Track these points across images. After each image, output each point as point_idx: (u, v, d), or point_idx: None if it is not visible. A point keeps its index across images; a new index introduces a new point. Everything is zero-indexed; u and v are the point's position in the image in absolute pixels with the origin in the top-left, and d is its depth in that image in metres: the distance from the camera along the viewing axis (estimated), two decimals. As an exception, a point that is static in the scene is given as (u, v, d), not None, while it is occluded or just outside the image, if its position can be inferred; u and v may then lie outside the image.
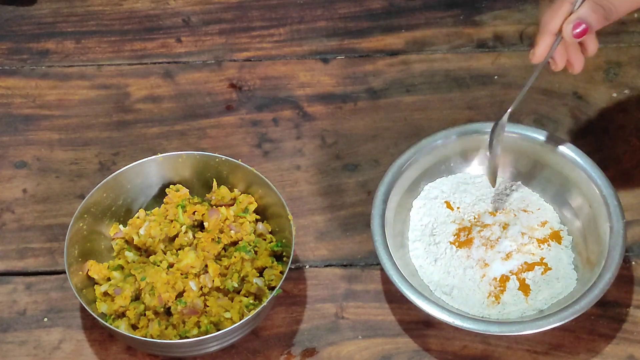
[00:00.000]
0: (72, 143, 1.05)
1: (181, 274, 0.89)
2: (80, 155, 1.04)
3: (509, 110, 0.88)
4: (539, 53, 0.82)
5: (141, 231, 0.92)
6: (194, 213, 0.93)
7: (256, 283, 0.88)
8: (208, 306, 0.87)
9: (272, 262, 0.90)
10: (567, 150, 0.94)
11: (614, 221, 0.89)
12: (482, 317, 0.87)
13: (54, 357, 0.89)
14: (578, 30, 0.79)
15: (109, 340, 0.90)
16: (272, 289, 0.88)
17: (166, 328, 0.86)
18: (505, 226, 0.92)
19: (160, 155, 0.94)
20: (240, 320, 0.85)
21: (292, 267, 0.94)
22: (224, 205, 0.93)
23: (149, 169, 0.94)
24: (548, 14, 0.79)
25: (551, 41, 0.81)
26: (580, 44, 0.84)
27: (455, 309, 0.87)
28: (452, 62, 1.12)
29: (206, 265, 0.89)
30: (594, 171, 0.92)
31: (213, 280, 0.89)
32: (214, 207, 0.93)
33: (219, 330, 0.85)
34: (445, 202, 0.95)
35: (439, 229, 0.93)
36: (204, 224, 0.93)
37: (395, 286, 0.86)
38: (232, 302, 0.88)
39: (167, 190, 0.94)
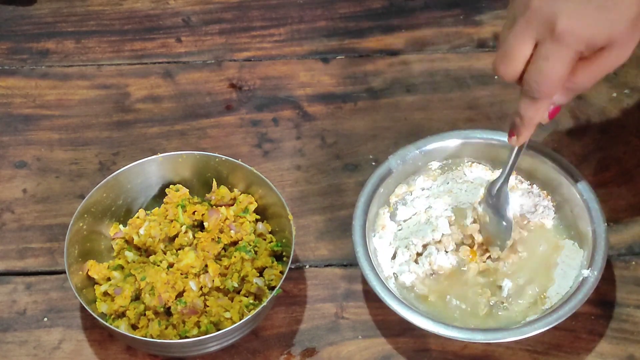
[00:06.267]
0: (72, 143, 1.05)
1: (181, 274, 0.89)
2: (80, 155, 1.04)
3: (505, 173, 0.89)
4: (522, 141, 0.85)
5: (141, 231, 0.92)
6: (194, 213, 0.93)
7: (256, 283, 0.88)
8: (208, 306, 0.87)
9: (272, 262, 0.90)
10: (546, 154, 0.93)
11: (596, 225, 0.89)
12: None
13: (54, 357, 0.89)
14: (552, 111, 0.83)
15: (109, 340, 0.90)
16: (272, 289, 0.88)
17: (166, 328, 0.86)
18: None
19: (160, 155, 0.94)
20: (240, 320, 0.85)
21: (292, 267, 0.94)
22: (224, 205, 0.93)
23: (149, 169, 0.94)
24: (533, 112, 0.81)
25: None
26: None
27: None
28: (452, 62, 1.12)
29: (206, 265, 0.89)
30: (574, 175, 0.92)
31: (213, 280, 0.89)
32: (214, 207, 0.93)
33: (219, 330, 0.85)
34: (429, 208, 0.95)
35: (419, 234, 0.93)
36: (204, 224, 0.93)
37: (385, 303, 0.86)
38: (232, 302, 0.88)
39: (167, 190, 0.94)
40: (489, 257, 0.91)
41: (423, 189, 0.96)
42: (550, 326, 0.83)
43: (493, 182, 0.90)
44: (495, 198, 0.90)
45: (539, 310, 0.87)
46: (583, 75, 0.78)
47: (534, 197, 0.94)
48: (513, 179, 0.95)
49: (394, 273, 0.91)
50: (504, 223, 0.90)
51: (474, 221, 0.91)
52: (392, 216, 0.94)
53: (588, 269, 0.86)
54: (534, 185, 0.95)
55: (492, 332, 0.85)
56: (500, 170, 0.90)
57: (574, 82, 0.78)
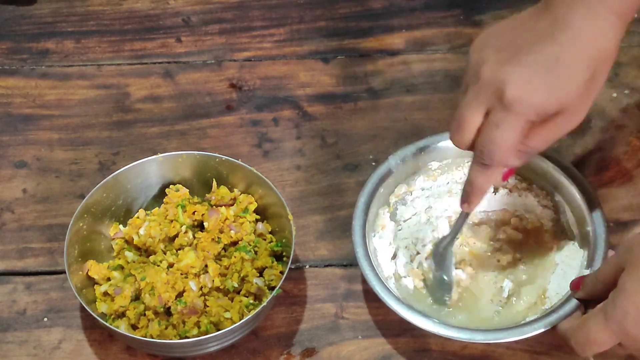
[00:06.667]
0: (72, 143, 1.05)
1: (181, 274, 0.89)
2: (80, 155, 1.04)
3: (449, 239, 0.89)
4: (474, 207, 0.84)
5: (141, 231, 0.92)
6: (194, 213, 0.93)
7: (256, 283, 0.88)
8: (208, 306, 0.87)
9: (272, 262, 0.90)
10: (547, 155, 0.93)
11: (596, 225, 0.89)
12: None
13: (54, 357, 0.89)
14: (505, 173, 0.81)
15: (109, 340, 0.90)
16: (272, 289, 0.88)
17: (166, 328, 0.86)
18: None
19: (160, 155, 0.94)
20: (240, 320, 0.85)
21: (292, 267, 0.94)
22: (224, 205, 0.93)
23: (149, 169, 0.94)
24: (483, 180, 0.80)
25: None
26: None
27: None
28: (452, 62, 1.12)
29: (206, 265, 0.89)
30: (574, 175, 0.91)
31: (213, 280, 0.89)
32: (214, 207, 0.93)
33: (219, 330, 0.85)
34: (429, 208, 0.95)
35: (420, 234, 0.93)
36: (204, 224, 0.93)
37: (384, 303, 0.85)
38: (232, 302, 0.88)
39: (167, 190, 0.94)
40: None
41: (423, 189, 0.96)
42: (551, 326, 0.83)
43: (441, 240, 0.90)
44: (441, 256, 0.89)
45: (539, 310, 0.87)
46: (536, 140, 0.76)
47: (533, 197, 0.94)
48: (512, 180, 0.95)
49: (393, 273, 0.91)
50: (446, 281, 0.89)
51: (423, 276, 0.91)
52: (392, 216, 0.94)
53: (588, 269, 0.86)
54: (534, 185, 0.95)
55: (492, 333, 0.84)
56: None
57: (527, 145, 0.76)
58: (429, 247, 0.91)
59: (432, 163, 0.96)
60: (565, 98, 0.74)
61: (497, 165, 0.77)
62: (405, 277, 0.90)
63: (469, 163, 0.95)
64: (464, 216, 0.86)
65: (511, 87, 0.73)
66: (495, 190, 0.95)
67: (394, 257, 0.92)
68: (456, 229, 0.88)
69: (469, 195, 0.82)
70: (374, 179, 0.93)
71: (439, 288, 0.90)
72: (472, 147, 0.78)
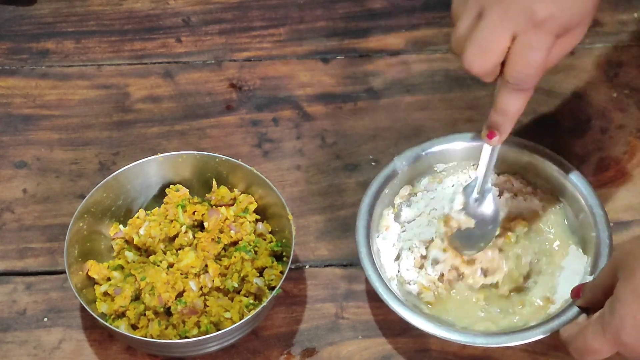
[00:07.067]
0: (72, 143, 1.05)
1: (181, 274, 0.89)
2: (80, 155, 1.04)
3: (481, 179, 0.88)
4: (505, 138, 0.83)
5: (141, 231, 0.92)
6: (194, 213, 0.93)
7: (256, 283, 0.88)
8: (208, 306, 0.87)
9: (272, 262, 0.90)
10: (551, 159, 0.93)
11: (600, 230, 0.88)
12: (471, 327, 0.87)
13: (54, 357, 0.89)
14: None
15: (109, 340, 0.90)
16: (272, 289, 0.88)
17: (166, 328, 0.86)
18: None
19: (160, 155, 0.94)
20: (240, 320, 0.85)
21: (292, 267, 0.94)
22: (224, 205, 0.93)
23: (149, 169, 0.94)
24: (520, 105, 0.79)
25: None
26: None
27: (446, 320, 0.87)
28: (452, 62, 1.12)
29: (206, 265, 0.90)
30: (579, 180, 0.91)
31: (213, 280, 0.89)
32: (214, 207, 0.94)
33: (219, 330, 0.85)
34: (433, 210, 0.95)
35: (423, 236, 0.92)
36: (204, 224, 0.93)
37: (387, 305, 0.85)
38: (232, 302, 0.88)
39: (167, 190, 0.94)
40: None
41: (428, 191, 0.96)
42: (552, 332, 0.83)
43: (468, 187, 0.88)
44: (477, 202, 0.88)
45: (543, 314, 0.87)
46: (554, 55, 0.77)
47: (538, 201, 0.94)
48: (518, 184, 0.95)
49: (397, 275, 0.90)
50: (491, 224, 0.88)
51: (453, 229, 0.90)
52: (396, 217, 0.94)
53: (591, 275, 0.86)
54: (538, 190, 0.95)
55: (493, 337, 0.84)
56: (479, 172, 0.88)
57: (549, 62, 0.77)
58: (460, 199, 0.89)
59: (438, 165, 0.96)
60: (586, 11, 0.76)
61: (533, 85, 0.78)
62: (409, 283, 0.90)
63: (475, 166, 0.95)
64: (494, 151, 0.85)
65: (541, 5, 0.74)
66: (500, 194, 0.95)
67: (398, 258, 0.92)
68: (489, 167, 0.86)
69: (501, 125, 0.81)
70: (379, 179, 0.93)
71: (483, 235, 0.88)
72: (491, 72, 0.78)
